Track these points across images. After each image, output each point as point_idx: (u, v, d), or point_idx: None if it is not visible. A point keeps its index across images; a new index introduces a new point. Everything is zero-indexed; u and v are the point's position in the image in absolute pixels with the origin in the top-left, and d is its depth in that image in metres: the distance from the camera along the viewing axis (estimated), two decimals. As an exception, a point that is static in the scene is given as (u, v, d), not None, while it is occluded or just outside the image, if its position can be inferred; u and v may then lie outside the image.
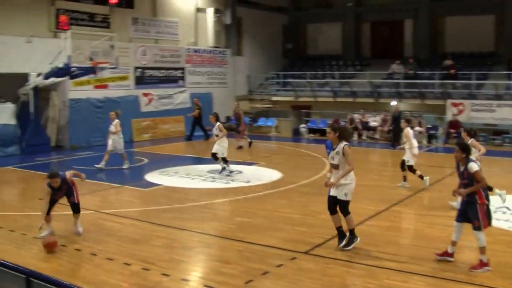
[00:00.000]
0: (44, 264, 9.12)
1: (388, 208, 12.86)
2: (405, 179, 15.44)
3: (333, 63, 37.04)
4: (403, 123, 15.98)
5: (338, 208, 9.75)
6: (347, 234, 9.80)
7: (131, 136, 27.09)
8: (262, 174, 17.67)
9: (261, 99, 35.02)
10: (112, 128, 18.61)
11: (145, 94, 28.50)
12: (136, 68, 28.14)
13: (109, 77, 26.04)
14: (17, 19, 23.45)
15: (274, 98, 34.58)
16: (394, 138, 24.95)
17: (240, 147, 24.23)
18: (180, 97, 30.13)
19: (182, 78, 30.85)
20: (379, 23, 37.72)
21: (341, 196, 9.62)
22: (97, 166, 18.55)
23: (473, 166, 8.78)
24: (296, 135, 30.38)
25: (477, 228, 8.73)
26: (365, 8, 38.01)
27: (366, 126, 28.47)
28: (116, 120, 18.61)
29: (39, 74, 21.95)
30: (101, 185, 16.12)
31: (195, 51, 31.82)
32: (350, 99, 31.40)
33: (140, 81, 28.41)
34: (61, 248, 9.97)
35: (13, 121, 22.68)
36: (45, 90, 23.89)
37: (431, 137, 26.87)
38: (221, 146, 17.52)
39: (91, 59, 22.08)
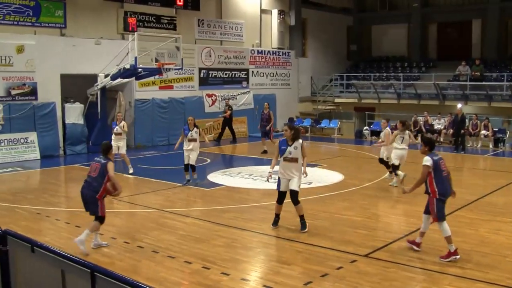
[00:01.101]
0: (107, 259, 9.36)
1: (452, 212, 12.57)
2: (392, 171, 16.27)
3: (397, 64, 36.66)
4: (383, 123, 17.20)
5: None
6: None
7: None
8: (324, 176, 17.59)
9: (324, 100, 34.85)
10: (118, 128, 18.17)
11: (209, 95, 28.81)
12: (201, 69, 28.48)
13: (174, 78, 26.54)
14: (86, 22, 24.14)
15: (337, 100, 34.42)
16: (456, 141, 24.41)
17: (265, 152, 22.50)
18: (244, 98, 30.32)
19: (246, 79, 31.06)
20: (446, 24, 37.09)
21: (294, 187, 10.96)
22: (130, 174, 17.99)
23: (425, 160, 9.38)
24: (359, 137, 30.10)
25: (434, 220, 9.50)
26: (431, 8, 37.38)
27: (430, 129, 27.94)
28: (123, 122, 18.41)
29: (106, 75, 22.43)
30: (164, 184, 16.41)
31: (259, 52, 31.98)
32: (414, 101, 30.96)
33: (204, 82, 28.73)
34: (123, 245, 10.23)
35: (81, 121, 23.37)
36: (112, 90, 24.45)
37: (497, 141, 26.08)
38: (196, 153, 16.32)
39: (156, 60, 22.50)
